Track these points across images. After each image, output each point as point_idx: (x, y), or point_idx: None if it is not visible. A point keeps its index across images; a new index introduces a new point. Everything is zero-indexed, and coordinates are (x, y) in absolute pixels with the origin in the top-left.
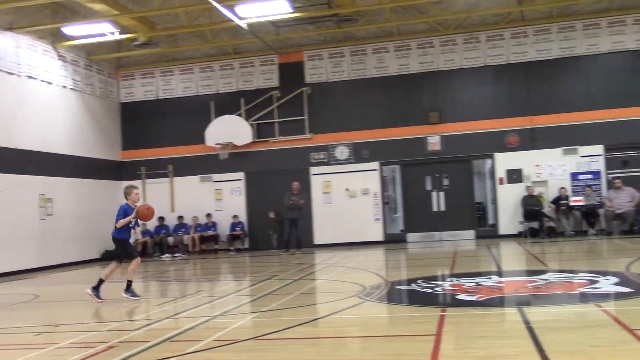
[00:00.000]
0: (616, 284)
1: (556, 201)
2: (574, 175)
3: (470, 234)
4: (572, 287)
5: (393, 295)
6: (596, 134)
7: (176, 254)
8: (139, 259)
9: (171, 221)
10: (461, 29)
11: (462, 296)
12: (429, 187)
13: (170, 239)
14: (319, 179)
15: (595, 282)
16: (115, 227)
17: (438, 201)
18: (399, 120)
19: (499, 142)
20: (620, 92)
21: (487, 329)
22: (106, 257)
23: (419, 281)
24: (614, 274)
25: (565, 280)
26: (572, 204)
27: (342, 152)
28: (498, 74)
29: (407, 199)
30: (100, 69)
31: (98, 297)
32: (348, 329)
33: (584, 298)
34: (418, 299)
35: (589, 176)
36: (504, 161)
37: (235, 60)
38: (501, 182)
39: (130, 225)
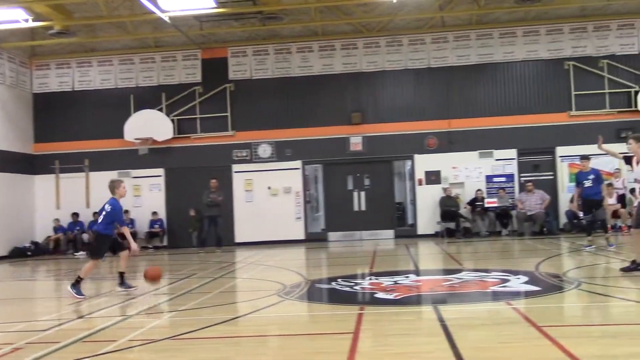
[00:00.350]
0: (526, 282)
1: (472, 202)
2: (489, 178)
3: (389, 233)
4: (485, 285)
5: (313, 293)
6: (510, 138)
7: None
8: (127, 252)
9: (86, 217)
10: (384, 32)
11: (380, 295)
12: (350, 186)
13: (85, 236)
14: (241, 177)
15: (507, 281)
16: (104, 225)
17: (359, 201)
18: (322, 120)
19: (419, 144)
20: (533, 99)
21: (404, 326)
22: (15, 255)
23: (339, 280)
24: (524, 273)
25: (479, 279)
26: (486, 205)
27: (264, 150)
28: (419, 78)
29: (329, 198)
30: (12, 58)
31: (79, 294)
32: (267, 328)
33: (496, 296)
34: (337, 297)
35: (503, 179)
36: (423, 163)
37: (157, 54)
38: (420, 183)
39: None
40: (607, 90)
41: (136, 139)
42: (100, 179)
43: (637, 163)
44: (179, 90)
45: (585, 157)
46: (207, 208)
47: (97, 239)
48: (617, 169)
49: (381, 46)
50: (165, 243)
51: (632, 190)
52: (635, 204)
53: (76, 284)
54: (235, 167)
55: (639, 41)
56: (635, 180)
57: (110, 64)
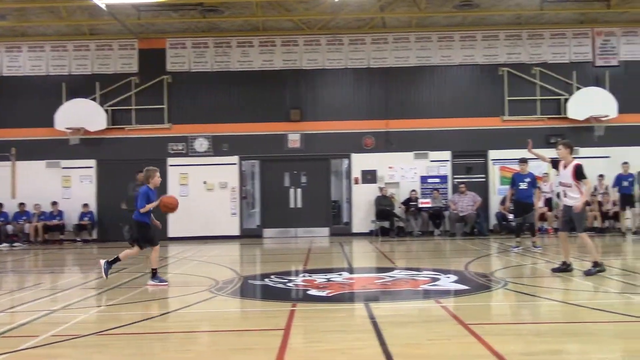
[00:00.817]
0: (455, 281)
1: (406, 202)
2: (424, 179)
3: (325, 231)
4: (416, 284)
5: (245, 290)
6: (445, 140)
7: (15, 244)
8: (158, 246)
9: (11, 208)
10: (325, 30)
11: (313, 292)
12: (287, 183)
13: (9, 227)
14: (176, 171)
15: (437, 279)
16: (139, 210)
17: (295, 198)
18: (260, 116)
19: (356, 143)
20: (468, 103)
21: (335, 323)
22: None
23: (272, 276)
24: (454, 272)
25: (410, 277)
26: (420, 205)
27: (201, 145)
28: (358, 77)
29: (265, 194)
30: None
31: (106, 273)
32: (196, 324)
33: (426, 295)
34: (270, 294)
35: (437, 180)
36: (360, 162)
37: (92, 42)
38: (356, 182)
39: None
40: (538, 97)
41: (67, 128)
42: (28, 169)
43: (564, 167)
44: (114, 80)
45: (523, 161)
46: (132, 201)
47: (139, 228)
48: (545, 173)
49: (322, 44)
50: (95, 236)
51: (559, 194)
52: (561, 207)
53: (154, 276)
54: (171, 161)
55: (570, 51)
56: (561, 184)
57: (41, 50)
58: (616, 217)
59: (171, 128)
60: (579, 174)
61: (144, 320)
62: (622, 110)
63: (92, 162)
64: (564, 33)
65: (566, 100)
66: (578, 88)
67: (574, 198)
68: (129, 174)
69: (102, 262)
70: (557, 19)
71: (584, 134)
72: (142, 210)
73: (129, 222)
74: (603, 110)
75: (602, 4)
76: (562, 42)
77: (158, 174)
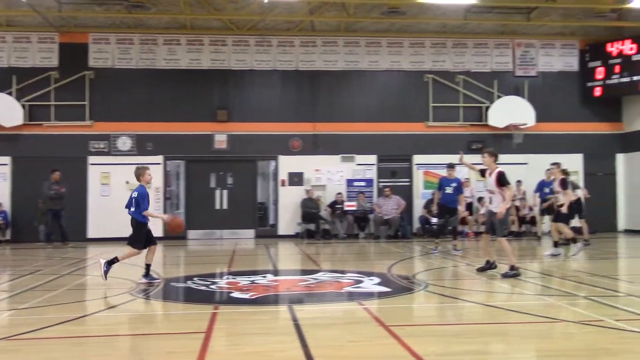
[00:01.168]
0: (378, 284)
1: (332, 205)
2: (350, 182)
3: (250, 233)
4: (339, 286)
5: (167, 292)
6: (371, 144)
7: None
8: (156, 245)
9: None
10: (254, 31)
11: (236, 294)
12: (213, 184)
13: None
14: (97, 170)
15: (360, 282)
16: (140, 212)
17: (221, 199)
18: (186, 116)
19: (284, 145)
20: (394, 108)
21: (258, 326)
22: None
23: (195, 278)
24: (377, 275)
25: (334, 280)
26: (346, 208)
27: (124, 143)
28: (286, 79)
29: (190, 195)
30: None
31: (105, 274)
32: (116, 327)
33: (349, 297)
34: (192, 296)
35: (363, 183)
36: (287, 164)
37: (8, 33)
38: (283, 184)
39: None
40: (461, 104)
41: None
42: None
43: (490, 174)
44: (32, 74)
45: (451, 166)
46: (49, 201)
47: (135, 227)
48: (466, 178)
49: (250, 45)
50: (8, 237)
51: (480, 199)
52: (482, 211)
53: (110, 264)
54: (92, 159)
55: (492, 60)
56: (487, 190)
57: None
58: (533, 221)
59: (93, 125)
60: (501, 180)
61: (59, 323)
62: (539, 119)
63: (6, 159)
64: (486, 43)
65: (487, 108)
66: (499, 96)
67: (499, 204)
68: (46, 172)
69: (102, 262)
70: (480, 29)
71: (504, 141)
72: (144, 214)
73: (44, 221)
74: (522, 118)
75: (522, 17)
76: (484, 52)
77: (148, 171)
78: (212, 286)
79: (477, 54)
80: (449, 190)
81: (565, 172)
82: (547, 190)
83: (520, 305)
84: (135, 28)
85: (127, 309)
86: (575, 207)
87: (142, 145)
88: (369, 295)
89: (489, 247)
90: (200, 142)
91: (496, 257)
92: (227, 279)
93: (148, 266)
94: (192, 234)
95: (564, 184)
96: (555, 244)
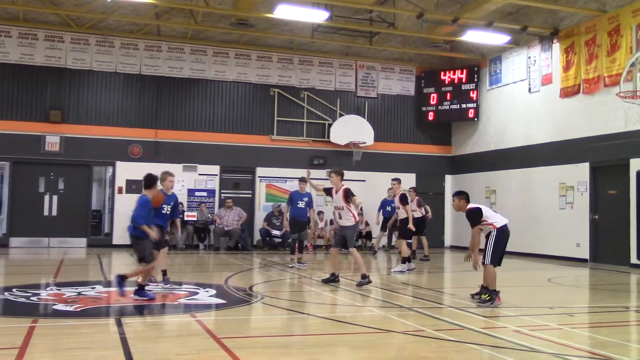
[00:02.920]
0: (213, 295)
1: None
2: (191, 192)
3: (82, 241)
4: (174, 298)
5: None
6: (214, 155)
7: None
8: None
9: None
10: (96, 30)
11: (59, 306)
12: (42, 189)
13: None
14: None
15: (196, 293)
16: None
17: (51, 205)
18: (14, 114)
19: (123, 151)
20: (240, 120)
21: (80, 340)
22: None
23: (14, 290)
24: (214, 287)
25: (169, 291)
26: (186, 218)
27: None
28: (129, 83)
29: (15, 200)
30: None
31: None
32: None
33: (182, 309)
34: (9, 309)
35: (205, 194)
36: (125, 170)
37: None
38: (120, 192)
39: (165, 212)
40: (305, 120)
41: None
42: None
43: (336, 192)
44: None
45: (303, 180)
46: None
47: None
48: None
49: (91, 44)
50: None
51: (319, 213)
52: (320, 225)
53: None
54: None
55: (336, 79)
56: (335, 208)
57: None
58: (368, 236)
59: None
60: (347, 196)
61: None
62: (377, 138)
63: None
64: (331, 62)
65: (330, 125)
66: (341, 114)
67: (348, 219)
68: None
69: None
70: (326, 48)
71: (344, 158)
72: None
73: None
74: (362, 137)
75: (365, 40)
76: (329, 71)
77: (171, 177)
78: (32, 298)
79: (322, 72)
80: (301, 204)
81: (414, 190)
82: (389, 208)
83: (351, 316)
84: None
85: None
86: (421, 225)
87: None
88: (203, 307)
89: (337, 260)
90: (30, 143)
91: (338, 271)
92: (51, 290)
93: (164, 272)
94: (14, 241)
95: (404, 199)
96: (404, 260)
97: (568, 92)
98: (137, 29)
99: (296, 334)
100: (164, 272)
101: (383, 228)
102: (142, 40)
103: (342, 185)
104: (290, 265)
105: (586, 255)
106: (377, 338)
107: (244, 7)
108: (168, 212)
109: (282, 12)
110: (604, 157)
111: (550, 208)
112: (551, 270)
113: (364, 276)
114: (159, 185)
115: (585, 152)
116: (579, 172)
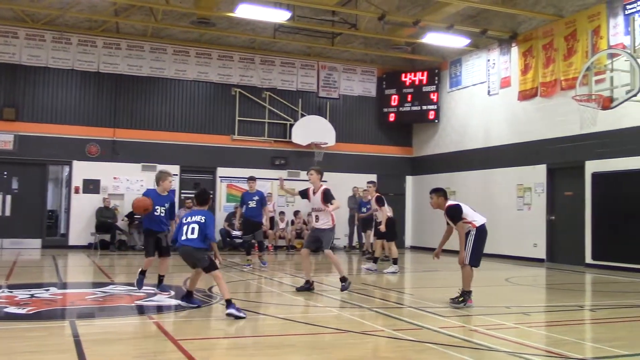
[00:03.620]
0: (172, 297)
1: (130, 215)
2: None
3: (37, 242)
4: (130, 300)
5: None
6: (174, 154)
7: None
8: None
9: None
10: (52, 26)
11: (10, 309)
12: None
13: None
14: None
15: (154, 295)
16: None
17: (4, 205)
18: None
19: (79, 150)
20: (200, 119)
21: (32, 343)
22: None
23: None
24: (172, 288)
25: (126, 293)
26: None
27: None
28: (86, 81)
29: None
30: None
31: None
32: None
33: (139, 310)
34: None
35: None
36: (82, 170)
37: None
38: (77, 191)
39: (158, 214)
40: (267, 120)
41: None
42: None
43: (314, 193)
44: None
45: (252, 179)
46: None
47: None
48: (269, 193)
49: (47, 41)
50: None
51: (281, 213)
52: (282, 225)
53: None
54: None
55: (297, 80)
56: (313, 209)
57: None
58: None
59: None
60: (327, 197)
61: None
62: (339, 139)
63: None
64: (293, 63)
65: (291, 125)
66: (302, 115)
67: (326, 222)
68: None
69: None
70: (288, 48)
71: (306, 158)
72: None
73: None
74: (323, 137)
75: (327, 41)
76: (291, 71)
77: (170, 178)
78: None
79: (284, 72)
80: (252, 204)
81: (374, 185)
82: (364, 210)
83: (311, 317)
84: None
85: None
86: (390, 226)
87: None
88: (161, 308)
89: (309, 263)
90: None
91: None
92: (3, 292)
93: (161, 277)
94: None
95: (380, 201)
96: (375, 260)
97: (526, 95)
98: (96, 25)
99: (255, 334)
100: (161, 278)
101: (363, 229)
102: (101, 37)
103: (321, 185)
104: (246, 265)
105: (543, 256)
106: (337, 338)
107: (205, 5)
108: (162, 214)
109: (243, 12)
110: (560, 158)
111: (509, 209)
112: (509, 270)
113: (343, 279)
114: (155, 186)
115: (543, 154)
116: (537, 174)
